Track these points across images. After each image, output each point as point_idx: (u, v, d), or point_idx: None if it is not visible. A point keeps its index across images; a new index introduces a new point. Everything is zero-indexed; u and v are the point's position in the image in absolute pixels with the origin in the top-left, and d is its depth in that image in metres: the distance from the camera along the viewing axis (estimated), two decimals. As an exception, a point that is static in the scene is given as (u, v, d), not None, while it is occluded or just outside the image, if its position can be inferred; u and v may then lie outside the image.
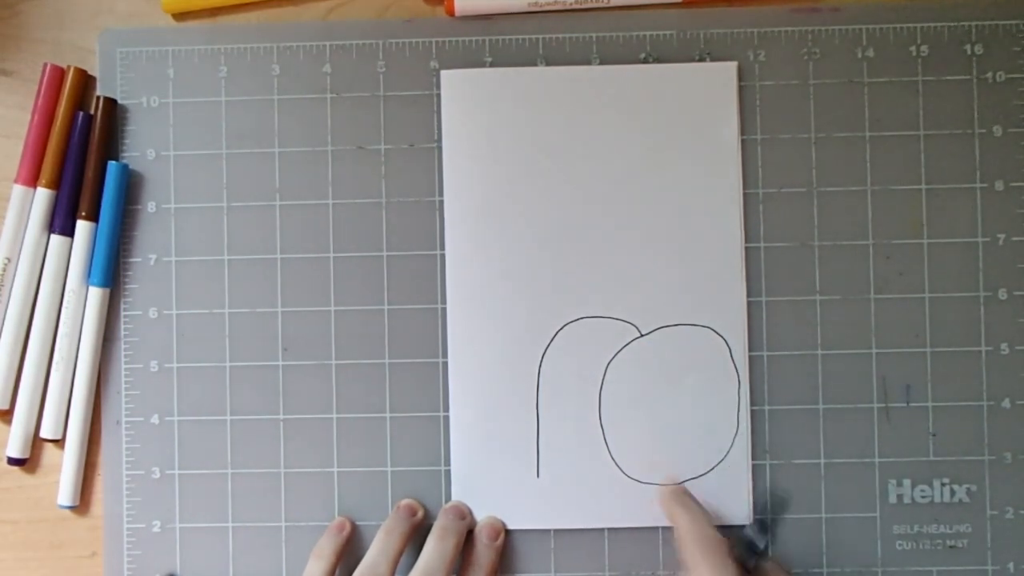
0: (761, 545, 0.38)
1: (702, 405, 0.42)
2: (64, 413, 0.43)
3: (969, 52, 0.43)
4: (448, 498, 0.43)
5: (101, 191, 0.43)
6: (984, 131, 0.43)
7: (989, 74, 0.43)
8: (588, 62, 0.44)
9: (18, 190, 0.43)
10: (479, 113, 0.43)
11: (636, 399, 0.43)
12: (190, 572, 0.43)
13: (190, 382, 0.43)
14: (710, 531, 0.38)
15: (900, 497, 0.42)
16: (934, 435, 0.43)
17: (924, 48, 0.43)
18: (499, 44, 0.44)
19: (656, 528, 0.43)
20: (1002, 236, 0.43)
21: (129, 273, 0.44)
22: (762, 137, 0.43)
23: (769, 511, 0.41)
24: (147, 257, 0.44)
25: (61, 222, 0.43)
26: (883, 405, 0.43)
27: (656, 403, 0.43)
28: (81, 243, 0.43)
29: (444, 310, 0.43)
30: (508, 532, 0.43)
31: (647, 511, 0.42)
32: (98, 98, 0.43)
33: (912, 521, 0.42)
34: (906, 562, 0.42)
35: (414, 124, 0.44)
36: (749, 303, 0.43)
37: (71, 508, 0.44)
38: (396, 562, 0.40)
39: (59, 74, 0.44)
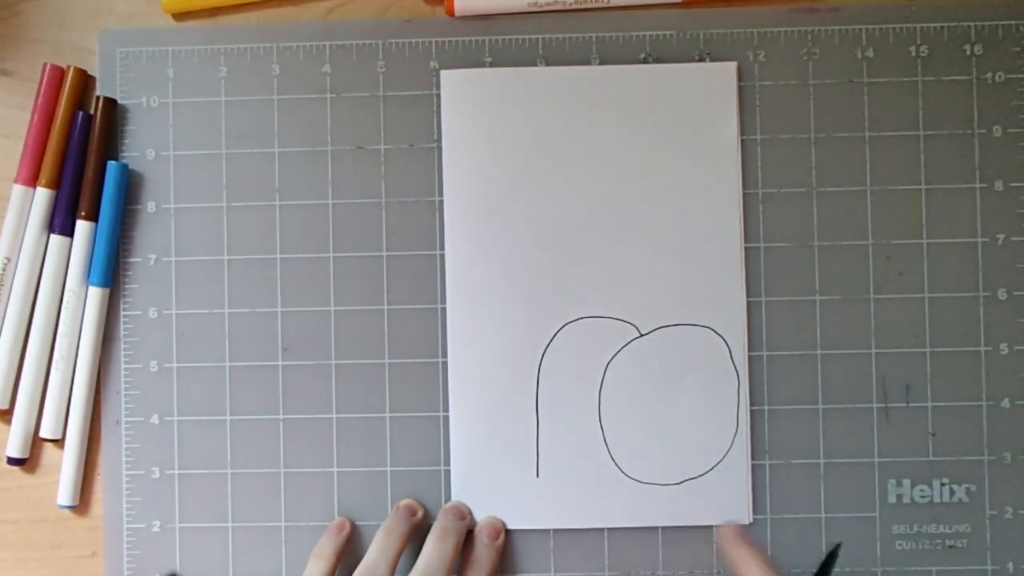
0: None
1: (702, 405, 0.43)
2: (64, 413, 0.43)
3: (969, 52, 0.43)
4: (448, 498, 0.43)
5: (101, 191, 0.43)
6: (984, 131, 0.43)
7: (989, 74, 0.43)
8: (588, 62, 0.44)
9: (18, 190, 0.43)
10: (479, 113, 0.43)
11: (636, 399, 0.43)
12: (190, 572, 0.43)
13: (190, 382, 0.43)
14: None
15: (900, 497, 0.42)
16: (934, 435, 0.43)
17: (924, 48, 0.43)
18: (499, 44, 0.44)
19: (656, 528, 0.43)
20: (1002, 236, 0.43)
21: (129, 273, 0.44)
22: (762, 137, 0.43)
23: (825, 564, 0.41)
24: (147, 257, 0.44)
25: (61, 222, 0.43)
26: (883, 405, 0.43)
27: (656, 403, 0.43)
28: (81, 243, 0.43)
29: (444, 310, 0.43)
30: (508, 532, 0.43)
31: (647, 511, 0.42)
32: (98, 98, 0.43)
33: (912, 521, 0.42)
34: (906, 562, 0.42)
35: (414, 124, 0.44)
36: (749, 303, 0.43)
37: (71, 508, 0.44)
38: (396, 562, 0.40)
39: (59, 74, 0.43)
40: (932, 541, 0.42)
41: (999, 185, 0.43)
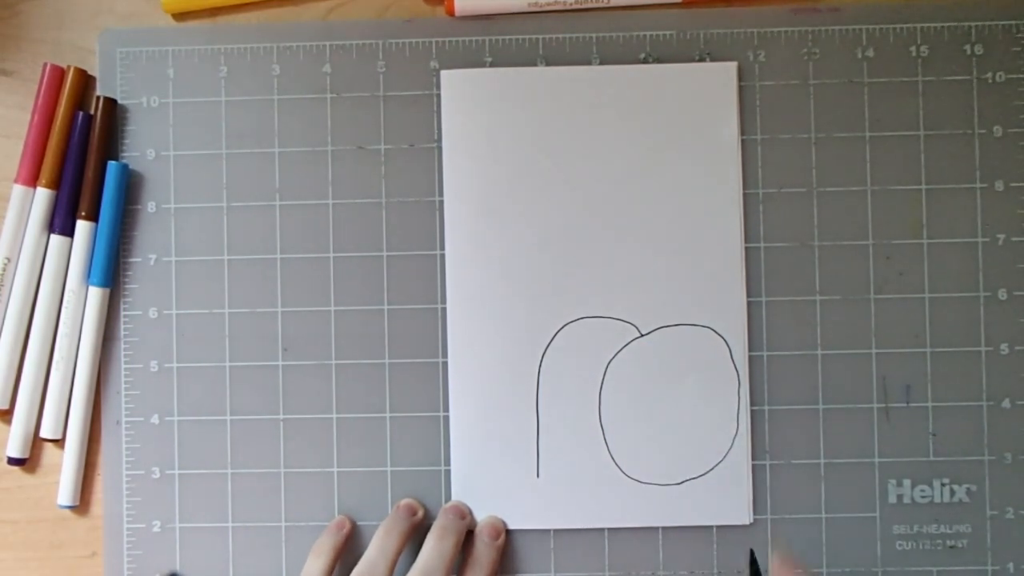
0: None
1: (702, 405, 0.42)
2: (64, 413, 0.43)
3: (969, 52, 0.43)
4: (448, 498, 0.43)
5: (101, 191, 0.43)
6: (984, 131, 0.43)
7: (989, 74, 0.43)
8: (588, 62, 0.44)
9: (18, 190, 0.43)
10: (479, 113, 0.43)
11: (636, 399, 0.43)
12: (190, 572, 0.43)
13: (190, 382, 0.43)
14: None
15: (900, 497, 0.42)
16: (934, 435, 0.43)
17: (924, 48, 0.43)
18: (499, 44, 0.44)
19: (656, 528, 0.43)
20: (1002, 236, 0.43)
21: (129, 273, 0.44)
22: (762, 137, 0.43)
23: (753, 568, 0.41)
24: (147, 257, 0.44)
25: (61, 222, 0.43)
26: (883, 405, 0.43)
27: (656, 403, 0.43)
28: (81, 243, 0.43)
29: (444, 310, 0.43)
30: (508, 532, 0.43)
31: (647, 511, 0.42)
32: (98, 98, 0.43)
33: (912, 521, 0.42)
34: (906, 562, 0.42)
35: (414, 124, 0.44)
36: (749, 303, 0.43)
37: (71, 508, 0.44)
38: (395, 561, 0.40)
39: (59, 74, 0.44)
40: (932, 541, 0.42)
41: (999, 185, 0.43)
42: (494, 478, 0.43)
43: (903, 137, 0.43)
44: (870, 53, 0.43)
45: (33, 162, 0.43)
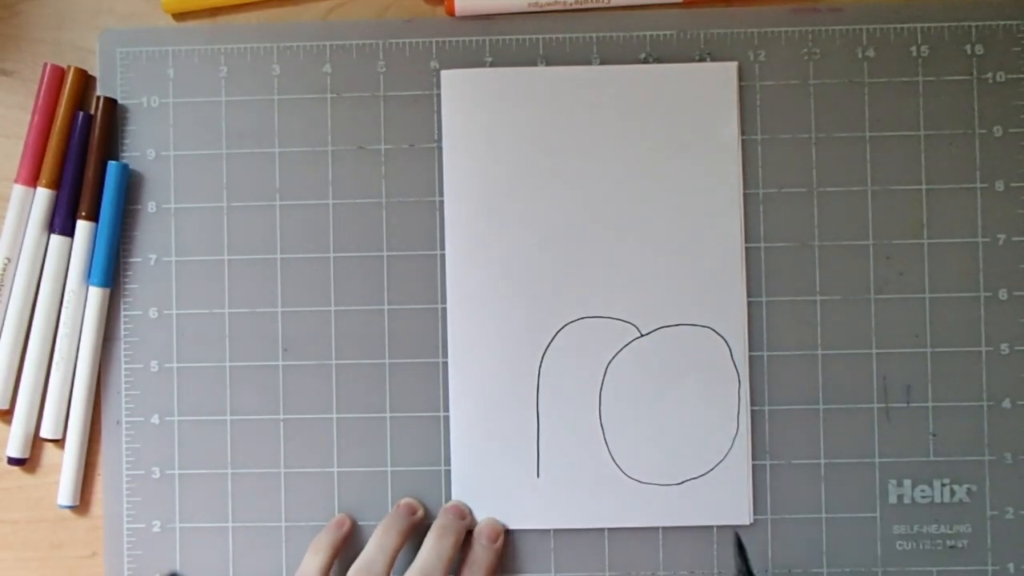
0: None
1: (702, 405, 0.42)
2: (64, 413, 0.43)
3: (969, 52, 0.43)
4: (448, 498, 0.43)
5: (101, 191, 0.43)
6: (984, 131, 0.43)
7: (989, 74, 0.43)
8: (588, 62, 0.44)
9: (18, 190, 0.43)
10: (479, 113, 0.43)
11: (636, 399, 0.43)
12: (190, 572, 0.43)
13: (190, 382, 0.43)
14: None
15: (900, 497, 0.42)
16: (934, 435, 0.43)
17: (924, 48, 0.43)
18: (499, 44, 0.44)
19: (656, 528, 0.43)
20: (1002, 236, 0.43)
21: (129, 273, 0.44)
22: (762, 137, 0.43)
23: (741, 553, 0.40)
24: (147, 257, 0.44)
25: (61, 222, 0.43)
26: (883, 405, 0.43)
27: (656, 403, 0.43)
28: (81, 243, 0.43)
29: (444, 310, 0.43)
30: (508, 532, 0.43)
31: (647, 511, 0.42)
32: (98, 98, 0.43)
33: (912, 521, 0.42)
34: (906, 562, 0.42)
35: (414, 124, 0.44)
36: (749, 303, 0.43)
37: (71, 508, 0.44)
38: (393, 559, 0.40)
39: (59, 74, 0.43)
40: (933, 541, 0.42)
41: (1000, 185, 0.43)
42: (494, 478, 0.43)
43: (903, 137, 0.43)
44: (870, 53, 0.43)
45: (33, 162, 0.43)
